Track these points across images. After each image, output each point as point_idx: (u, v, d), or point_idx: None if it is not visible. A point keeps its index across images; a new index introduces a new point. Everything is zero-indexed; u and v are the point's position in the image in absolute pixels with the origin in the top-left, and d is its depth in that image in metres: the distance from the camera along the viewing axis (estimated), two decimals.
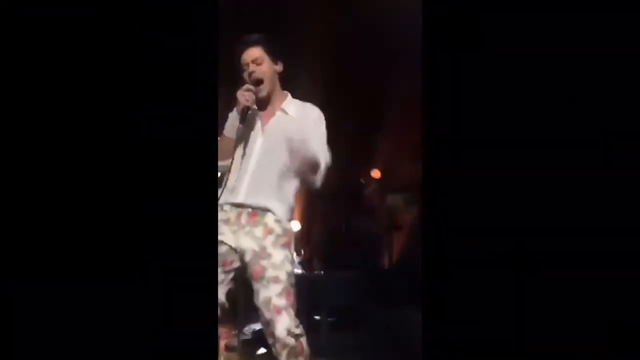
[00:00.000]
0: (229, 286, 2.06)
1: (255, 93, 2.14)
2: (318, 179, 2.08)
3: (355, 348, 3.63)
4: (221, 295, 2.02)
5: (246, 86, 2.10)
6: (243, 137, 2.13)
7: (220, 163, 2.08)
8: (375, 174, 5.72)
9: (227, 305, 2.05)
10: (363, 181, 5.50)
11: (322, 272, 4.66)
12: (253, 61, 2.14)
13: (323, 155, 2.08)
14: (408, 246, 5.06)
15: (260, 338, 3.38)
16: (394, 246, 5.13)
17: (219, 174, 2.11)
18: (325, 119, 2.23)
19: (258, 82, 2.15)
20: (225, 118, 2.22)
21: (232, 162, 2.06)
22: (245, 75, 2.14)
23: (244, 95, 2.08)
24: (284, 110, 2.21)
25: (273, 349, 2.00)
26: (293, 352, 1.98)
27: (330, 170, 2.14)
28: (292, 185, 2.15)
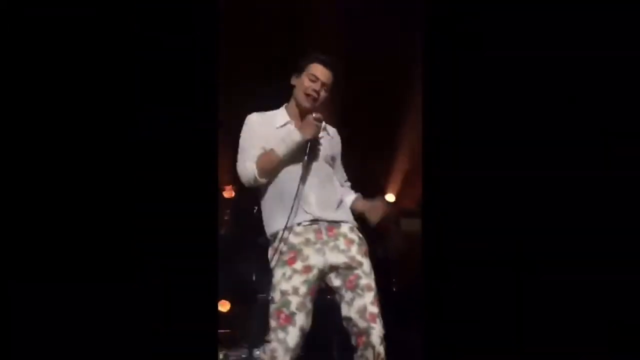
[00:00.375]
0: (311, 316, 1.99)
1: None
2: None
3: None
4: (308, 325, 1.96)
5: (317, 115, 2.04)
6: (292, 157, 2.07)
7: (261, 180, 2.04)
8: (390, 198, 5.70)
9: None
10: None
11: (336, 295, 4.61)
12: (323, 84, 2.08)
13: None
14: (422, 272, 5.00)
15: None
16: (407, 272, 5.11)
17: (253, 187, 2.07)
18: (342, 141, 2.35)
19: (312, 99, 2.09)
20: (228, 118, 2.18)
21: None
22: (310, 86, 2.07)
23: (317, 127, 2.04)
24: (327, 131, 2.22)
25: (359, 358, 1.96)
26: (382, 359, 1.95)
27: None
28: (343, 195, 2.20)
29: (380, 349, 1.91)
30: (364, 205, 2.15)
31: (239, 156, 2.08)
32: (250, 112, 2.21)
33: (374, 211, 2.10)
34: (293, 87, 2.13)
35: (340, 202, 2.14)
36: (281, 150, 2.02)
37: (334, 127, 2.30)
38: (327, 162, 2.15)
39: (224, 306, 4.03)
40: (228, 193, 4.62)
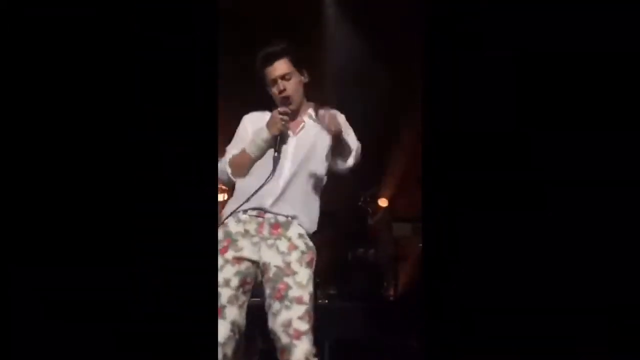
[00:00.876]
0: (245, 310, 1.88)
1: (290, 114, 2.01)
2: (351, 160, 2.03)
3: None
4: (241, 320, 1.86)
5: (282, 109, 1.97)
6: (262, 154, 2.01)
7: (234, 179, 2.00)
8: (383, 202, 5.66)
9: (242, 330, 1.87)
10: (369, 210, 5.42)
11: (327, 301, 4.54)
12: (282, 77, 2.00)
13: (355, 143, 2.04)
14: (413, 277, 5.00)
15: None
16: (399, 277, 5.09)
17: (223, 188, 2.00)
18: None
19: (287, 99, 2.02)
20: (227, 120, 2.16)
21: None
22: (275, 91, 2.01)
23: (281, 121, 1.95)
24: (311, 116, 2.11)
25: None
26: None
27: (335, 197, 2.11)
28: (319, 199, 2.06)
29: None
30: (322, 115, 1.97)
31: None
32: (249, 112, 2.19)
33: (329, 120, 1.93)
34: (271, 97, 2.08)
35: (307, 200, 2.02)
36: (251, 148, 1.98)
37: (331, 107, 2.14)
38: (310, 156, 2.04)
39: None
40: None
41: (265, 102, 2.23)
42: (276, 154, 1.97)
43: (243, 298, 1.87)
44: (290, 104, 2.03)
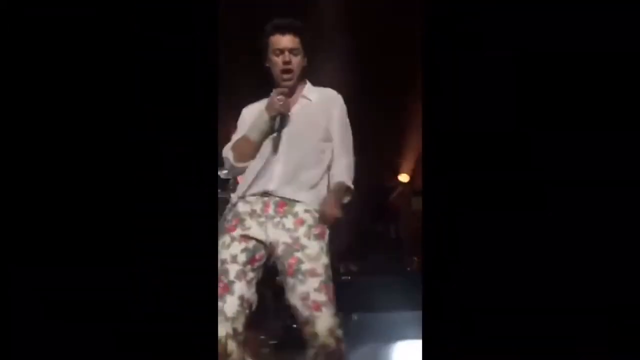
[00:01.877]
0: (254, 286, 1.90)
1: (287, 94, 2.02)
2: (348, 181, 2.04)
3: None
4: (251, 295, 1.87)
5: (280, 90, 1.99)
6: (263, 137, 2.02)
7: (238, 164, 2.01)
8: (403, 177, 5.63)
9: (254, 306, 1.89)
10: (389, 185, 5.41)
11: (349, 277, 4.49)
12: (290, 50, 2.00)
13: (348, 175, 2.05)
14: None
15: (292, 342, 3.18)
16: (419, 250, 5.07)
17: (232, 176, 2.02)
18: (350, 117, 2.15)
19: (289, 73, 2.02)
20: (232, 115, 2.14)
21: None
22: (279, 61, 2.00)
23: (280, 101, 1.97)
24: (306, 97, 2.11)
25: (309, 352, 1.82)
26: (332, 357, 1.80)
27: (354, 173, 2.09)
28: (322, 174, 2.04)
29: (329, 341, 1.77)
30: (323, 202, 1.98)
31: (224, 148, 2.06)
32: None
33: (327, 210, 1.94)
34: (268, 69, 2.07)
35: (316, 184, 2.01)
36: (251, 132, 1.99)
37: (332, 88, 2.15)
38: (310, 135, 2.04)
39: None
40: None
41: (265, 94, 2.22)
42: (276, 134, 1.98)
43: (251, 274, 1.88)
44: (291, 79, 2.03)
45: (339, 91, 2.16)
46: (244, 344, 1.83)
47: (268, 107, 1.98)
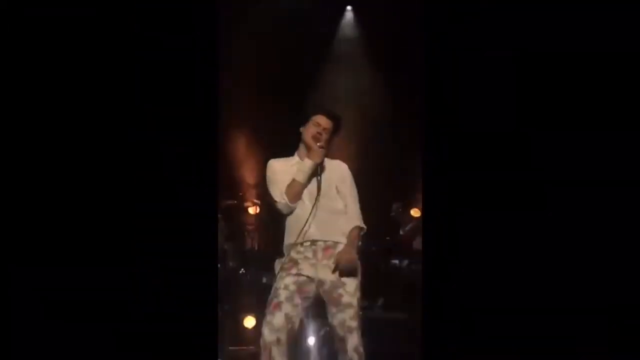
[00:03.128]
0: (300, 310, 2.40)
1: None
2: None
3: None
4: (295, 315, 2.34)
5: (321, 144, 2.46)
6: (308, 180, 2.52)
7: (293, 205, 2.47)
8: (415, 212, 5.66)
9: (296, 325, 2.35)
10: (401, 220, 5.44)
11: (360, 312, 4.47)
12: (325, 129, 2.53)
13: (359, 219, 2.51)
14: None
15: None
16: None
17: (287, 213, 2.48)
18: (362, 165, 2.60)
19: (319, 140, 2.51)
20: (232, 115, 2.20)
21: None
22: (312, 130, 2.51)
23: (322, 152, 2.46)
24: (330, 162, 2.62)
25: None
26: None
27: (367, 209, 2.51)
28: (348, 223, 2.52)
29: (354, 357, 2.29)
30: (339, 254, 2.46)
31: (273, 194, 2.52)
32: (251, 117, 2.19)
33: (343, 259, 2.41)
34: (300, 134, 2.55)
35: (340, 226, 2.49)
36: (299, 176, 2.49)
37: (342, 160, 2.67)
38: (332, 187, 2.55)
39: (249, 322, 4.03)
40: (253, 210, 5.06)
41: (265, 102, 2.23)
42: (318, 178, 2.49)
43: (298, 300, 2.36)
44: (319, 143, 2.52)
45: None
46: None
47: (313, 156, 2.48)
